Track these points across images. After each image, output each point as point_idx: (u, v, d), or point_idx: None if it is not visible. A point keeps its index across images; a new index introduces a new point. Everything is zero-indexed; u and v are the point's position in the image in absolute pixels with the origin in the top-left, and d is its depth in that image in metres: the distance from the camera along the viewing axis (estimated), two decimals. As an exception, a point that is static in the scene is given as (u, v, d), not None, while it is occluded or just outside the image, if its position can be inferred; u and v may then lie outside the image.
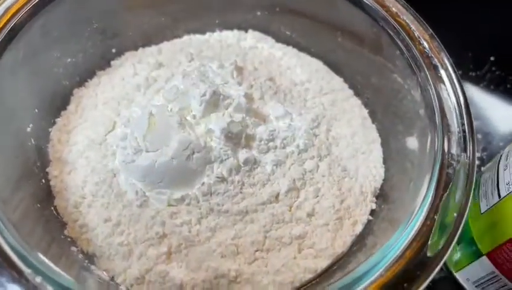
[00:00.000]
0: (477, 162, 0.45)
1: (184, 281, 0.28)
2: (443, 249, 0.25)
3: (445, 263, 0.35)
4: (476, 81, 0.52)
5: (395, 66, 0.34)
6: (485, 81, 0.52)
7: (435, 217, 0.26)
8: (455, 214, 0.26)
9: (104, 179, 0.32)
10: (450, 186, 0.27)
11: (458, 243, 0.34)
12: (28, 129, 0.33)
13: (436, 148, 0.29)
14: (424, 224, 0.26)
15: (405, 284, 0.24)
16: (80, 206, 0.32)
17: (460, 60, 0.52)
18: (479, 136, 0.48)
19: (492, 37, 0.53)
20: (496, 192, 0.31)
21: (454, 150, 0.29)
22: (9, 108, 0.32)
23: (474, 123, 0.48)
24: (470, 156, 0.29)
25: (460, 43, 0.53)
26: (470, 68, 0.53)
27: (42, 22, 0.33)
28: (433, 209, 0.26)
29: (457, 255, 0.35)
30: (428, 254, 0.25)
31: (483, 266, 0.32)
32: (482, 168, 0.37)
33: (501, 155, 0.34)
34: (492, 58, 0.53)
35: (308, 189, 0.32)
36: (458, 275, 0.35)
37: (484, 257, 0.32)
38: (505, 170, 0.32)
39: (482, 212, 0.32)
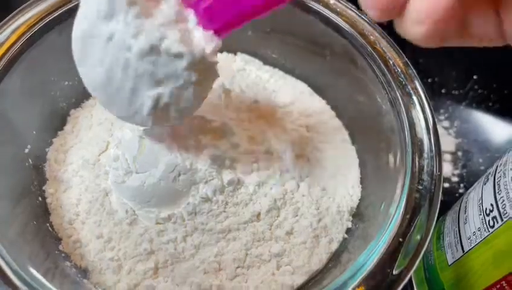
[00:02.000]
0: (456, 179, 0.48)
1: (170, 295, 0.31)
2: (406, 269, 0.27)
3: None
4: (459, 100, 0.54)
5: (372, 91, 0.36)
6: (468, 100, 0.54)
7: (400, 239, 0.28)
8: (419, 236, 0.28)
9: (97, 197, 0.34)
10: (416, 208, 0.29)
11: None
12: (26, 150, 0.35)
13: (406, 171, 0.31)
14: (391, 244, 0.28)
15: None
16: (73, 223, 0.34)
17: (443, 78, 0.55)
18: (460, 153, 0.50)
19: (475, 56, 0.55)
20: (460, 245, 0.32)
21: (422, 174, 0.31)
22: (9, 131, 0.34)
23: (456, 141, 0.51)
24: (436, 180, 0.30)
25: (443, 62, 0.55)
26: (454, 87, 0.55)
27: (41, 49, 0.35)
28: (401, 229, 0.28)
29: None
30: (394, 272, 0.27)
31: None
32: (446, 213, 0.38)
33: (460, 206, 0.35)
34: (475, 77, 0.55)
35: (288, 208, 0.34)
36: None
37: None
38: (465, 223, 0.33)
39: (449, 264, 0.33)
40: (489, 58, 0.54)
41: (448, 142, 0.51)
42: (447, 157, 0.50)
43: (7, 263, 0.26)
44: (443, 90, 0.54)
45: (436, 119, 0.51)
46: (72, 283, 0.31)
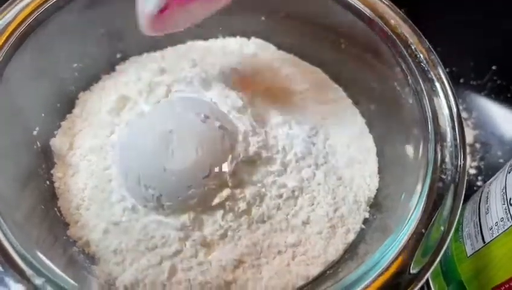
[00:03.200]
0: (474, 171, 0.47)
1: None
2: (426, 266, 0.26)
3: None
4: (477, 90, 0.52)
5: (393, 78, 0.35)
6: (486, 90, 0.52)
7: (423, 231, 0.27)
8: (442, 229, 0.27)
9: (99, 184, 0.33)
10: (439, 201, 0.28)
11: (448, 284, 0.34)
12: (35, 132, 0.34)
13: (428, 161, 0.30)
14: (411, 238, 0.27)
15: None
16: (80, 208, 0.33)
17: (462, 69, 0.53)
18: (478, 145, 0.49)
19: (494, 47, 0.54)
20: (480, 236, 0.31)
21: (445, 165, 0.29)
22: (18, 112, 0.33)
23: (474, 132, 0.49)
24: (460, 171, 0.29)
25: (462, 52, 0.53)
26: (472, 77, 0.53)
27: (50, 28, 0.34)
28: (421, 223, 0.27)
29: None
30: (412, 271, 0.26)
31: None
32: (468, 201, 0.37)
33: (480, 197, 0.33)
34: (494, 68, 0.53)
35: (304, 197, 0.33)
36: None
37: None
38: (486, 213, 0.31)
39: (468, 255, 0.32)
40: (508, 49, 0.53)
41: (466, 134, 0.49)
42: (464, 149, 0.49)
43: (14, 247, 0.25)
44: (461, 80, 0.53)
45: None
46: (80, 269, 0.30)
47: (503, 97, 0.52)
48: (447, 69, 0.53)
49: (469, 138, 0.49)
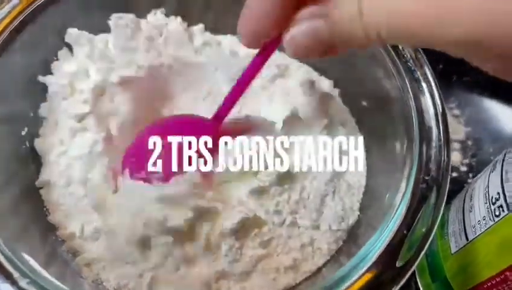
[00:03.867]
0: (465, 169, 0.47)
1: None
2: (410, 262, 0.26)
3: None
4: (470, 87, 0.52)
5: (379, 77, 0.35)
6: (479, 87, 0.52)
7: (404, 231, 0.27)
8: (424, 228, 0.27)
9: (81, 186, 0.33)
10: (422, 200, 0.28)
11: (433, 281, 0.35)
12: (23, 132, 0.34)
13: (412, 160, 0.30)
14: (395, 236, 0.27)
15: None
16: (66, 211, 0.33)
17: (454, 65, 0.53)
18: (469, 142, 0.49)
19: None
20: (464, 234, 0.32)
21: (429, 164, 0.30)
22: (7, 112, 0.33)
23: (466, 129, 0.49)
24: (443, 171, 0.29)
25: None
26: (465, 74, 0.53)
27: (39, 27, 0.35)
28: (405, 222, 0.27)
29: None
30: (398, 265, 0.26)
31: None
32: (452, 200, 0.37)
33: (465, 195, 0.34)
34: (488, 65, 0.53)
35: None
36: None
37: None
38: (470, 211, 0.32)
39: (452, 252, 0.33)
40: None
41: (458, 131, 0.49)
42: (456, 146, 0.49)
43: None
44: (454, 78, 0.53)
45: (446, 107, 0.50)
46: (69, 269, 0.30)
47: (496, 94, 0.52)
48: (440, 65, 0.53)
49: (461, 135, 0.49)
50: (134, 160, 0.32)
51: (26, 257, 0.26)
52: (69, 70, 0.35)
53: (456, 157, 0.48)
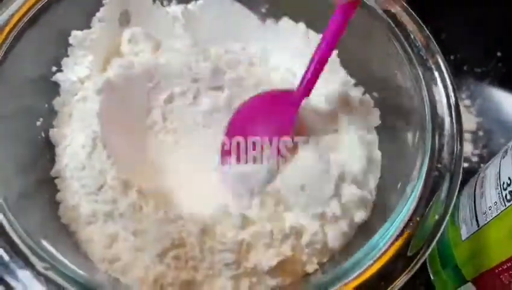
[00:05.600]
0: (476, 159, 0.47)
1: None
2: (422, 250, 0.26)
3: (433, 288, 0.37)
4: (481, 77, 0.52)
5: (391, 67, 0.35)
6: (490, 77, 0.52)
7: (417, 218, 0.27)
8: (436, 218, 0.27)
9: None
10: (435, 189, 0.28)
11: (443, 267, 0.35)
12: (38, 123, 0.35)
13: (425, 149, 0.30)
14: (407, 224, 0.27)
15: (382, 283, 0.25)
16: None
17: (466, 55, 0.53)
18: (481, 133, 0.49)
19: (499, 33, 0.53)
20: (475, 220, 0.32)
21: (442, 153, 0.30)
22: (22, 102, 0.34)
23: (477, 119, 0.49)
24: (456, 160, 0.29)
25: (467, 39, 0.53)
26: (476, 64, 0.53)
27: (55, 17, 0.35)
28: (417, 210, 0.28)
29: (444, 280, 0.36)
30: (409, 254, 0.26)
31: None
32: (463, 188, 0.37)
33: (476, 182, 0.34)
34: (499, 54, 0.53)
35: None
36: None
37: (469, 283, 0.33)
38: (481, 197, 0.32)
39: (463, 239, 0.33)
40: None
41: (469, 121, 0.49)
42: (467, 136, 0.49)
43: (18, 234, 0.26)
44: (465, 68, 0.52)
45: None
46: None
47: (508, 84, 0.52)
48: (451, 56, 0.53)
49: (472, 125, 0.49)
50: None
51: (44, 243, 0.26)
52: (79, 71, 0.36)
53: (467, 147, 0.48)
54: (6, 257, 0.25)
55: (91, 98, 0.35)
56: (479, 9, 0.53)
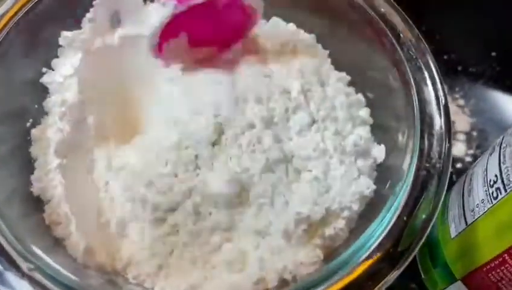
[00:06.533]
0: (469, 159, 0.47)
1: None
2: (410, 248, 0.26)
3: (424, 287, 0.37)
4: (476, 77, 0.52)
5: (381, 66, 0.35)
6: (485, 78, 0.52)
7: (404, 218, 0.27)
8: (424, 216, 0.27)
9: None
10: (423, 189, 0.28)
11: (434, 266, 0.35)
12: (28, 124, 0.35)
13: (413, 149, 0.30)
14: (394, 224, 0.27)
15: (370, 282, 0.25)
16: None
17: (460, 55, 0.53)
18: (474, 133, 0.49)
19: (494, 33, 0.53)
20: (463, 218, 0.32)
21: (430, 153, 0.30)
22: (12, 103, 0.34)
23: (471, 120, 0.49)
24: (444, 160, 0.29)
25: (461, 39, 0.53)
26: (470, 64, 0.53)
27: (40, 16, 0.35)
28: (405, 209, 0.28)
29: (434, 278, 0.36)
30: (396, 252, 0.26)
31: None
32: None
33: (465, 179, 0.34)
34: (493, 54, 0.53)
35: None
36: (438, 299, 0.36)
37: (459, 282, 0.32)
38: (469, 195, 0.32)
39: (452, 237, 0.33)
40: (508, 35, 0.52)
41: (462, 121, 0.49)
42: (461, 137, 0.48)
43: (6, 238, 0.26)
44: (459, 68, 0.52)
45: (451, 98, 0.50)
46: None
47: (502, 84, 0.51)
48: (445, 56, 0.53)
49: (466, 126, 0.49)
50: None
51: (30, 242, 0.26)
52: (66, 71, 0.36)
53: (460, 148, 0.48)
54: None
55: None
56: (473, 9, 0.53)
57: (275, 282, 0.29)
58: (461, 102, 0.50)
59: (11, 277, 0.24)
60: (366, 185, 0.32)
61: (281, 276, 0.29)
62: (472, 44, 0.53)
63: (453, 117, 0.49)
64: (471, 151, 0.47)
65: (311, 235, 0.31)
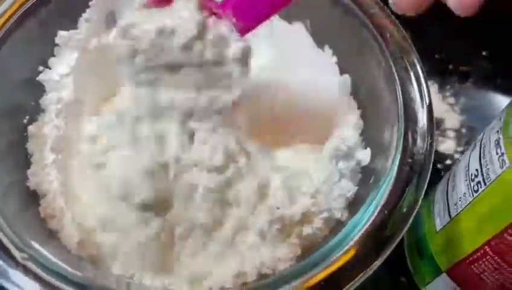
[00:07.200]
0: (458, 156, 0.48)
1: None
2: (390, 241, 0.27)
3: (413, 280, 0.38)
4: (466, 76, 0.53)
5: (367, 65, 0.36)
6: (475, 76, 0.53)
7: (385, 213, 0.28)
8: (404, 211, 0.28)
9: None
10: (404, 185, 0.29)
11: (421, 259, 0.36)
12: (25, 121, 0.36)
13: (397, 146, 0.31)
14: (375, 219, 0.28)
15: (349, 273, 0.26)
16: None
17: (451, 54, 0.54)
18: (464, 130, 0.50)
19: (485, 32, 0.54)
20: (447, 212, 0.33)
21: (413, 150, 0.30)
22: (8, 102, 0.35)
23: (461, 118, 0.50)
24: (427, 157, 0.30)
25: (452, 37, 0.54)
26: (461, 63, 0.53)
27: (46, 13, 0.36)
28: (387, 205, 0.28)
29: (422, 271, 0.37)
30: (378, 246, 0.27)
31: (445, 283, 0.34)
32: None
33: (449, 175, 0.35)
34: (484, 53, 0.54)
35: None
36: (426, 291, 0.37)
37: (444, 274, 0.34)
38: (452, 190, 0.33)
39: (437, 230, 0.34)
40: (499, 35, 0.53)
41: (452, 119, 0.50)
42: (450, 134, 0.49)
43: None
44: (450, 66, 0.53)
45: (441, 96, 0.51)
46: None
47: (492, 83, 0.52)
48: (437, 55, 0.54)
49: (455, 123, 0.50)
50: None
51: (25, 234, 0.27)
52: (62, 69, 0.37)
53: (450, 145, 0.49)
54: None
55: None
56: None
57: (254, 276, 0.30)
58: (451, 100, 0.51)
59: (5, 266, 0.25)
60: (347, 189, 0.33)
61: (259, 271, 0.30)
62: (463, 44, 0.54)
63: (443, 115, 0.50)
64: (460, 149, 0.48)
65: (287, 234, 0.31)
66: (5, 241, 0.26)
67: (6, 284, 0.25)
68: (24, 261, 0.25)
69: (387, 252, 0.27)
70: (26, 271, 0.25)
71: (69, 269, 0.27)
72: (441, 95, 0.51)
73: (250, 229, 0.31)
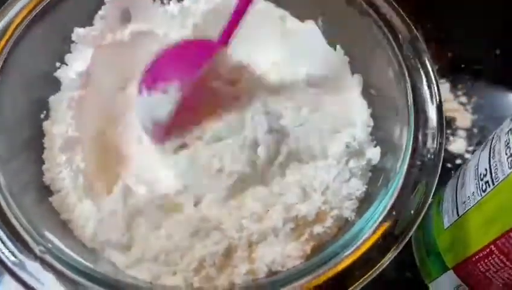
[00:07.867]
0: (469, 156, 0.48)
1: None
2: (399, 241, 0.28)
3: (419, 275, 0.39)
4: (478, 75, 0.52)
5: (378, 64, 0.36)
6: (488, 75, 0.52)
7: (393, 213, 0.28)
8: (412, 212, 0.28)
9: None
10: (413, 186, 0.29)
11: (428, 255, 0.37)
12: (42, 116, 0.36)
13: (406, 146, 0.31)
14: (384, 219, 0.28)
15: (357, 273, 0.27)
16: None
17: (464, 53, 0.53)
18: (475, 130, 0.49)
19: (498, 31, 0.53)
20: (455, 209, 0.33)
21: (423, 150, 0.31)
22: (26, 96, 0.36)
23: (473, 117, 0.50)
24: (436, 157, 0.30)
25: (465, 37, 0.53)
26: (474, 61, 0.53)
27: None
28: (396, 206, 0.29)
29: (429, 267, 0.37)
30: (387, 244, 0.28)
31: (451, 279, 0.34)
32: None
33: (459, 173, 0.35)
34: (497, 52, 0.53)
35: None
36: (431, 287, 0.38)
37: (451, 271, 0.34)
38: (461, 188, 0.33)
39: (445, 228, 0.34)
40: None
41: (464, 119, 0.50)
42: (462, 133, 0.49)
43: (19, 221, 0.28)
44: (463, 65, 0.53)
45: (453, 95, 0.51)
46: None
47: (505, 82, 0.52)
48: (449, 54, 0.53)
49: (467, 123, 0.50)
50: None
51: (42, 227, 0.28)
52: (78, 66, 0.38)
53: (461, 144, 0.49)
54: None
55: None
56: (478, 7, 0.53)
57: (264, 273, 0.30)
58: (463, 99, 0.51)
59: (25, 259, 0.26)
60: (356, 188, 0.34)
61: (270, 268, 0.30)
62: (476, 43, 0.53)
63: (454, 114, 0.50)
64: (471, 148, 0.48)
65: (300, 233, 0.32)
66: (24, 234, 0.27)
67: (24, 276, 0.26)
68: (42, 254, 0.26)
69: (396, 252, 0.27)
70: (44, 264, 0.26)
71: (84, 262, 0.28)
72: (453, 94, 0.51)
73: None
